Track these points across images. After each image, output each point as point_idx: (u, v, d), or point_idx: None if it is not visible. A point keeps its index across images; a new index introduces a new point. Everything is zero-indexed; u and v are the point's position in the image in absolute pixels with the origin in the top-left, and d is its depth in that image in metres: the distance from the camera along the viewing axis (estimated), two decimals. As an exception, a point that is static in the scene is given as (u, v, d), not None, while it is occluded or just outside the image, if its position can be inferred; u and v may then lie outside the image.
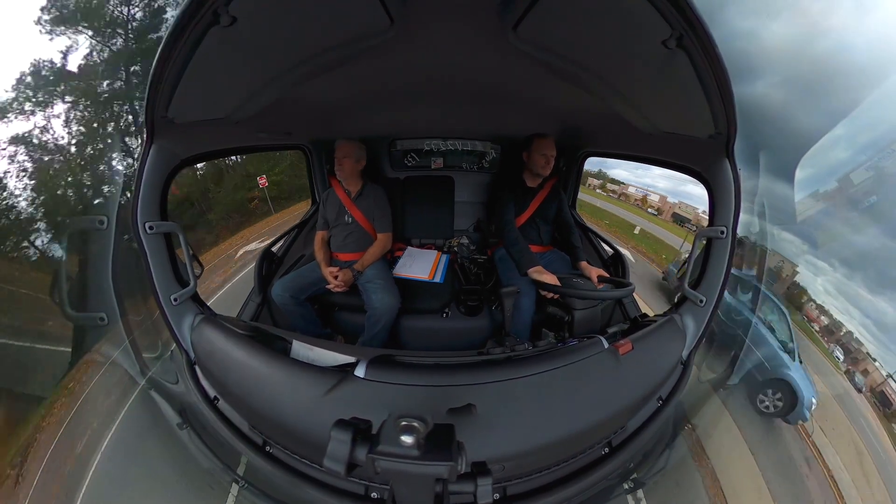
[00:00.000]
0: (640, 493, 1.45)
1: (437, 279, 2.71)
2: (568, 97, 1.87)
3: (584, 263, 2.46)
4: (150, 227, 1.43)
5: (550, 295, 2.25)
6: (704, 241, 1.63)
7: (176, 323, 1.51)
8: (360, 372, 1.19)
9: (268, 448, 1.34)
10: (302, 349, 1.39)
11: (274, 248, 2.92)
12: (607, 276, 2.35)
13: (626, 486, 1.42)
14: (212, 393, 1.46)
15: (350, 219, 2.64)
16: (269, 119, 2.04)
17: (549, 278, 2.19)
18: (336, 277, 2.42)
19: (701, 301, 1.61)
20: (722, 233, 1.54)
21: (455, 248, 3.24)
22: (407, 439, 0.62)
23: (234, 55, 1.25)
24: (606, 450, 1.35)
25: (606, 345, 1.37)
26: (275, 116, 2.02)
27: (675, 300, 1.75)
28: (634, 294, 2.43)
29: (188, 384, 1.49)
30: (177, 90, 1.23)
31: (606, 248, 2.97)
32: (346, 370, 1.22)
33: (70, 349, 1.78)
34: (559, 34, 1.26)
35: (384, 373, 1.19)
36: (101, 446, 1.51)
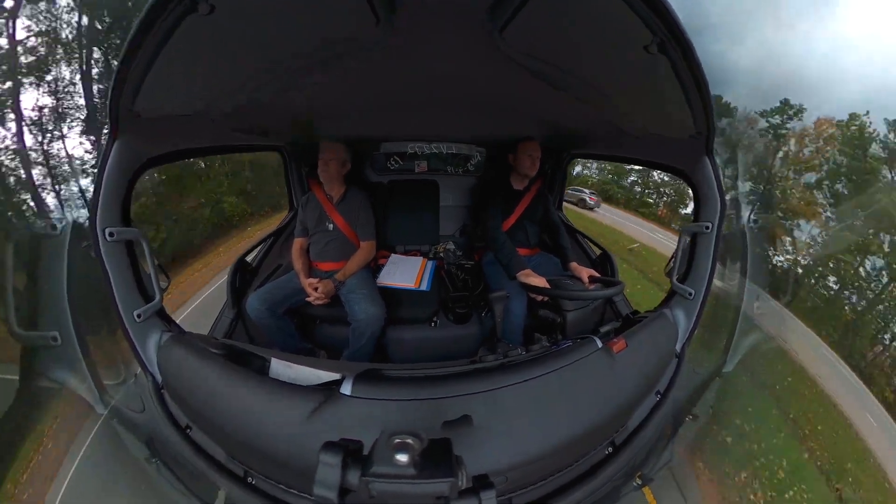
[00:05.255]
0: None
1: (424, 287, 2.61)
2: (554, 100, 1.84)
3: (574, 264, 2.46)
4: (111, 234, 1.29)
5: (541, 298, 2.21)
6: (690, 237, 1.71)
7: (140, 342, 1.37)
8: (346, 389, 1.10)
9: (249, 479, 1.21)
10: (282, 367, 1.29)
11: (248, 258, 2.75)
12: (598, 275, 2.34)
13: (635, 484, 1.40)
14: (183, 421, 1.32)
15: (331, 225, 2.52)
16: (246, 117, 1.93)
17: (539, 281, 2.16)
18: (316, 289, 2.29)
19: (690, 294, 1.67)
20: (707, 228, 1.61)
21: (441, 255, 3.15)
22: (402, 458, 0.59)
23: (211, 47, 1.15)
24: (610, 449, 1.32)
25: (600, 344, 1.35)
26: (252, 115, 1.91)
27: (666, 295, 1.80)
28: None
29: (156, 412, 1.34)
30: (146, 81, 1.12)
31: (594, 248, 3.00)
32: (330, 388, 1.13)
33: (17, 374, 1.57)
34: (545, 38, 1.25)
35: (372, 388, 1.11)
36: (58, 488, 1.32)
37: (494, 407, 1.08)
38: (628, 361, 1.35)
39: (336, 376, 1.17)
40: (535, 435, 1.09)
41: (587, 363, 1.27)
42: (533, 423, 1.11)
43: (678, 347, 1.64)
